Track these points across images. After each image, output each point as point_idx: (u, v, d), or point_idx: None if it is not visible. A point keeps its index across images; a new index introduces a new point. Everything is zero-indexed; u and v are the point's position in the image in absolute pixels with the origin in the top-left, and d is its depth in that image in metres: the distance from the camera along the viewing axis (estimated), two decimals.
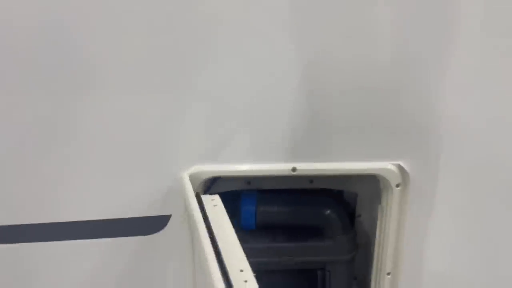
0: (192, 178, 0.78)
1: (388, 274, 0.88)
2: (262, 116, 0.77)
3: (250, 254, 0.98)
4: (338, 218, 0.95)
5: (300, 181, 1.02)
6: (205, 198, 0.74)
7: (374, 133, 0.78)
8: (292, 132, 0.78)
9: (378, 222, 0.89)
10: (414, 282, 0.88)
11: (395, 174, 0.80)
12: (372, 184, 0.97)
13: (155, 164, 0.77)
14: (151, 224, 0.79)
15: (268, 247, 0.94)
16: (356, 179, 0.98)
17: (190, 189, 0.69)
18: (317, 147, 0.80)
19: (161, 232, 0.81)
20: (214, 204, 0.72)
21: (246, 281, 0.55)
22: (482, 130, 0.77)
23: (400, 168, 0.80)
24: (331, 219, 0.95)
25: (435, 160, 0.80)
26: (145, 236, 0.80)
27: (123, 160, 0.77)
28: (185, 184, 0.71)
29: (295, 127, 0.77)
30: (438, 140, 0.78)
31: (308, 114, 0.76)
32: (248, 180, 1.02)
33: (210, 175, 0.79)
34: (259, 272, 1.00)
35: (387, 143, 0.79)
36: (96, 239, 0.79)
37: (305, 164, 0.80)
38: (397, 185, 0.81)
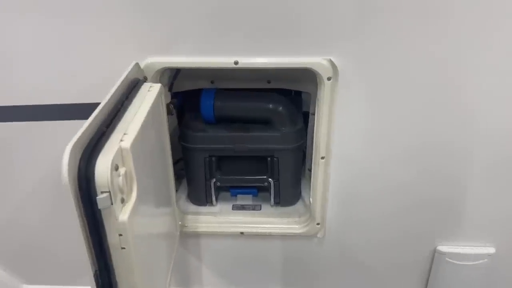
0: (146, 68, 0.92)
1: (322, 158, 1.02)
2: (211, 13, 0.87)
3: (209, 141, 1.14)
4: (286, 112, 1.08)
5: (259, 82, 1.14)
6: (146, 85, 0.87)
7: (309, 30, 0.87)
8: (236, 31, 0.88)
9: (316, 114, 1.01)
10: (342, 164, 1.02)
11: (326, 68, 0.90)
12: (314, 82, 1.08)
13: (114, 54, 0.90)
14: None
15: (225, 136, 1.09)
16: (307, 80, 1.09)
17: (125, 74, 0.81)
18: (259, 43, 0.90)
19: None
20: (149, 90, 0.85)
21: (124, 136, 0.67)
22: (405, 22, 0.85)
23: (331, 62, 0.90)
24: (280, 113, 1.08)
25: (363, 54, 0.89)
26: None
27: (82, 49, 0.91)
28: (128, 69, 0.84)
29: (241, 25, 0.87)
30: (366, 37, 0.87)
31: (254, 12, 0.86)
32: (211, 79, 1.14)
33: (161, 66, 0.92)
34: (220, 157, 1.16)
35: (320, 40, 0.89)
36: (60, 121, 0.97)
37: (246, 58, 0.91)
38: (328, 78, 0.92)
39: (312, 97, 1.15)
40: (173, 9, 0.87)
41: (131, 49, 0.91)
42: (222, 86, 1.15)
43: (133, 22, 0.88)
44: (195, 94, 1.16)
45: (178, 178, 1.29)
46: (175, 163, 1.20)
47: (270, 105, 1.08)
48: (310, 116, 1.19)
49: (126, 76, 0.82)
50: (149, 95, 0.84)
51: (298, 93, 1.23)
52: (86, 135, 0.62)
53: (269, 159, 1.12)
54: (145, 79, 0.94)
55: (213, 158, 1.13)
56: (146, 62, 0.92)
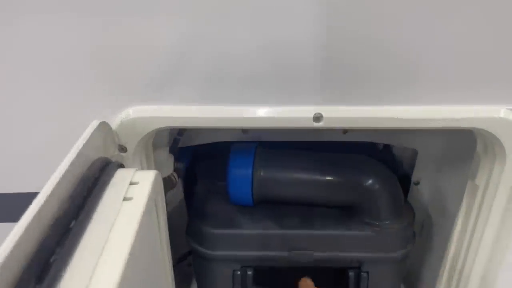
0: (125, 129, 0.42)
1: None
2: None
3: (243, 244, 0.64)
4: (388, 194, 0.58)
5: (328, 131, 0.65)
6: (123, 174, 0.37)
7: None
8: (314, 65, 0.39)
9: (463, 209, 0.52)
10: None
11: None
12: (441, 137, 0.60)
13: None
14: None
15: (272, 234, 0.60)
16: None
17: (76, 150, 0.32)
18: (367, 83, 0.41)
19: None
20: (131, 188, 0.36)
21: None
22: None
23: None
24: (376, 196, 0.58)
25: None
26: None
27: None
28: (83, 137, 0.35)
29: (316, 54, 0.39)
30: None
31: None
32: (243, 127, 0.65)
33: (159, 125, 0.42)
34: (260, 271, 0.67)
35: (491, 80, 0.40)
36: None
37: (335, 108, 0.42)
38: None
39: (420, 155, 0.66)
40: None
41: (93, 93, 0.42)
42: (261, 139, 0.66)
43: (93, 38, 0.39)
44: (215, 151, 0.68)
45: (185, 278, 0.79)
46: (180, 260, 0.71)
47: (364, 181, 0.58)
48: (412, 188, 0.70)
49: (79, 153, 0.33)
50: (132, 207, 0.34)
51: (386, 147, 0.74)
52: None
53: (351, 273, 0.62)
54: (121, 152, 0.44)
55: (249, 273, 0.63)
56: (126, 116, 0.42)
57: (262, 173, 0.59)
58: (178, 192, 0.71)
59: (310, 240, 0.59)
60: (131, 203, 0.34)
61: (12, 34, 0.39)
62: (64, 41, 0.39)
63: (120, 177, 0.37)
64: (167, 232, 0.49)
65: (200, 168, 0.71)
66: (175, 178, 0.64)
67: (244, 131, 0.66)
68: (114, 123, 0.43)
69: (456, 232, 0.54)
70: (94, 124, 0.39)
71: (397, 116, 0.42)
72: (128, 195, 0.35)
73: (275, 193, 0.61)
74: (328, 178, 0.59)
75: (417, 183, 0.69)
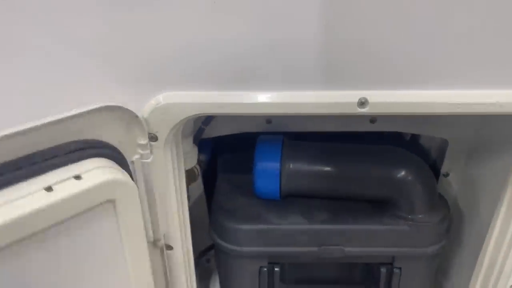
0: (156, 117, 0.39)
1: None
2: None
3: (270, 239, 0.62)
4: (421, 186, 0.56)
5: (354, 121, 0.62)
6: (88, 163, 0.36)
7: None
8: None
9: (506, 200, 0.49)
10: None
11: None
12: (472, 125, 0.58)
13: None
14: None
15: (301, 229, 0.57)
16: (447, 118, 0.58)
17: None
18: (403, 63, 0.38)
19: None
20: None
21: None
22: None
23: None
24: (410, 188, 0.55)
25: None
26: None
27: None
28: None
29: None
30: None
31: None
32: (268, 117, 0.62)
33: (197, 111, 0.40)
34: (287, 267, 0.64)
35: None
36: None
37: (381, 93, 0.39)
38: None
39: (451, 146, 0.64)
40: None
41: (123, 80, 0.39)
42: (287, 129, 0.63)
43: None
44: (238, 142, 0.65)
45: (204, 274, 0.76)
46: (201, 255, 0.69)
47: (397, 172, 0.55)
48: (441, 179, 0.67)
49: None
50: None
51: (414, 137, 0.72)
52: None
53: (383, 270, 0.60)
54: (151, 141, 0.41)
55: (276, 269, 0.60)
56: (157, 103, 0.40)
57: (291, 166, 0.57)
58: (198, 185, 0.68)
59: (341, 235, 0.57)
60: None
61: (43, 18, 0.36)
62: (94, 27, 0.36)
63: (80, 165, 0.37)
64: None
65: (221, 162, 0.69)
66: (197, 171, 0.62)
67: (268, 121, 0.63)
68: (144, 111, 0.40)
69: (496, 226, 0.52)
70: (99, 105, 0.37)
71: (448, 100, 0.40)
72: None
73: (304, 186, 0.58)
74: (359, 170, 0.57)
75: (446, 175, 0.66)
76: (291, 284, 0.65)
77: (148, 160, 0.42)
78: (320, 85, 0.39)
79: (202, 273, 0.76)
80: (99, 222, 0.38)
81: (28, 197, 0.33)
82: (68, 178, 0.35)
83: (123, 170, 0.40)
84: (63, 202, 0.34)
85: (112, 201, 0.38)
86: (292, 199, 0.60)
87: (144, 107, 0.40)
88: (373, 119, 0.63)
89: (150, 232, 0.46)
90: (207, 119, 0.59)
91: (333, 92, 0.40)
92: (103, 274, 0.41)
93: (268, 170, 0.57)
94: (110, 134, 0.39)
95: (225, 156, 0.70)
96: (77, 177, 0.36)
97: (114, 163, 0.39)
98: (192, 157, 0.58)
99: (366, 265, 0.62)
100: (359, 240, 0.57)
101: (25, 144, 0.34)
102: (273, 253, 0.59)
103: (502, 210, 0.50)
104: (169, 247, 0.49)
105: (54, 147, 0.36)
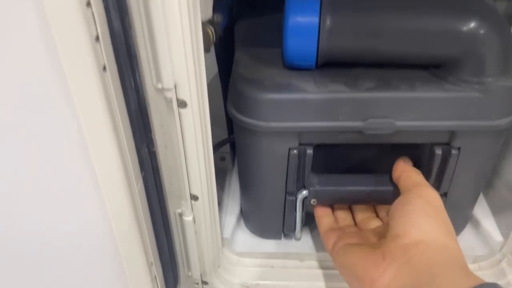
0: None
1: None
2: None
3: (303, 113, 0.50)
4: (496, 40, 0.44)
5: None
6: None
7: None
8: None
9: None
10: None
11: None
12: None
13: None
14: None
15: (343, 99, 0.46)
16: None
17: None
18: None
19: None
20: None
21: None
22: None
23: None
24: (481, 43, 0.44)
25: None
26: None
27: None
28: None
29: None
30: None
31: None
32: None
33: None
34: (323, 149, 0.52)
35: None
36: None
37: None
38: None
39: None
40: None
41: None
42: None
43: None
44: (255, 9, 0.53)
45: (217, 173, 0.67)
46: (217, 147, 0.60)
47: (465, 24, 0.43)
48: None
49: None
50: None
51: None
52: None
53: (438, 151, 0.50)
54: None
55: (308, 151, 0.50)
56: None
57: (331, 21, 0.45)
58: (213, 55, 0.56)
59: (391, 105, 0.46)
60: None
61: None
62: None
63: None
64: None
65: (239, 31, 0.57)
66: (212, 33, 0.50)
67: None
68: None
69: None
70: None
71: None
72: None
73: (347, 48, 0.46)
74: (417, 23, 0.45)
75: None
76: (326, 174, 0.55)
77: None
78: None
79: (217, 173, 0.67)
80: None
81: None
82: None
83: None
84: None
85: None
86: (329, 68, 0.48)
87: None
88: None
89: (153, 71, 0.36)
90: None
91: None
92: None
93: (303, 27, 0.45)
94: None
95: (244, 22, 0.58)
96: None
97: None
98: (206, 7, 0.45)
99: (416, 148, 0.52)
100: (414, 111, 0.46)
101: None
102: (306, 130, 0.48)
103: None
104: (182, 103, 0.38)
105: None
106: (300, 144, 0.50)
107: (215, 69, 0.59)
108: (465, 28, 0.44)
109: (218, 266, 0.57)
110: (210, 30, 0.50)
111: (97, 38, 0.30)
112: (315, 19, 0.45)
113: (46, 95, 0.31)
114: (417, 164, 0.52)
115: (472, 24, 0.43)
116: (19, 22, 0.28)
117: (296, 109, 0.47)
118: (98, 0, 0.29)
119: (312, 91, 0.46)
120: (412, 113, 0.46)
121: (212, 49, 0.56)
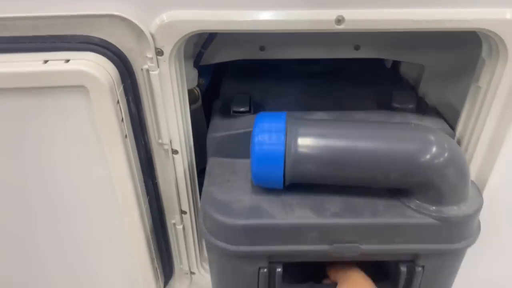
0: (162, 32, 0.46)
1: None
2: None
3: (272, 237, 0.52)
4: (453, 171, 0.46)
5: (339, 47, 0.66)
6: None
7: None
8: None
9: (465, 110, 0.55)
10: None
11: None
12: (447, 51, 0.64)
13: None
14: None
15: (310, 225, 0.48)
16: (423, 43, 0.63)
17: None
18: None
19: None
20: None
21: None
22: None
23: None
24: (439, 174, 0.46)
25: None
26: None
27: None
28: None
29: None
30: None
31: None
32: (261, 44, 0.67)
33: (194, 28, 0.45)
34: (290, 267, 0.55)
35: None
36: None
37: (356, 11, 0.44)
38: None
39: (426, 73, 0.68)
40: None
41: None
42: (280, 55, 0.68)
43: None
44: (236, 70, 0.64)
45: None
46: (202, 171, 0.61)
47: (423, 155, 0.46)
48: None
49: None
50: None
51: (394, 65, 0.77)
52: None
53: (403, 268, 0.51)
54: (158, 55, 0.48)
55: (278, 270, 0.51)
56: (161, 20, 0.46)
57: (297, 149, 0.47)
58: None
59: (356, 231, 0.48)
60: None
61: None
62: None
63: None
64: None
65: (212, 140, 0.58)
66: (198, 92, 0.71)
67: (262, 48, 0.67)
68: (152, 27, 0.46)
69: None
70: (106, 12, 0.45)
71: (411, 18, 0.45)
72: None
73: (312, 173, 0.48)
74: (378, 151, 0.47)
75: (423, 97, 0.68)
76: (294, 283, 0.56)
77: (155, 72, 0.48)
78: (302, 3, 0.45)
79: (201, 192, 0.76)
80: (71, 100, 0.47)
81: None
82: (59, 59, 0.45)
83: (112, 68, 0.47)
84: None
85: (81, 87, 0.46)
86: (296, 188, 0.50)
87: (151, 24, 0.46)
88: (357, 46, 0.67)
89: (156, 133, 0.55)
90: (206, 43, 0.62)
91: (313, 10, 0.45)
92: (77, 158, 0.52)
93: (269, 155, 0.47)
94: (120, 40, 0.47)
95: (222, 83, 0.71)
96: (67, 61, 0.45)
97: (109, 62, 0.46)
98: (193, 79, 0.65)
99: (382, 263, 0.53)
100: (377, 236, 0.48)
101: (33, 26, 0.46)
102: (275, 252, 0.49)
103: (461, 121, 0.56)
104: (175, 151, 0.56)
105: (59, 36, 0.46)
106: (270, 263, 0.51)
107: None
108: (422, 159, 0.46)
109: (202, 261, 0.72)
110: (196, 90, 0.71)
111: (122, 120, 0.49)
112: (281, 149, 0.47)
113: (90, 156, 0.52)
114: (383, 278, 0.53)
115: (428, 157, 0.46)
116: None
117: (265, 234, 0.48)
118: (123, 97, 0.48)
119: (280, 217, 0.48)
120: (375, 238, 0.48)
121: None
